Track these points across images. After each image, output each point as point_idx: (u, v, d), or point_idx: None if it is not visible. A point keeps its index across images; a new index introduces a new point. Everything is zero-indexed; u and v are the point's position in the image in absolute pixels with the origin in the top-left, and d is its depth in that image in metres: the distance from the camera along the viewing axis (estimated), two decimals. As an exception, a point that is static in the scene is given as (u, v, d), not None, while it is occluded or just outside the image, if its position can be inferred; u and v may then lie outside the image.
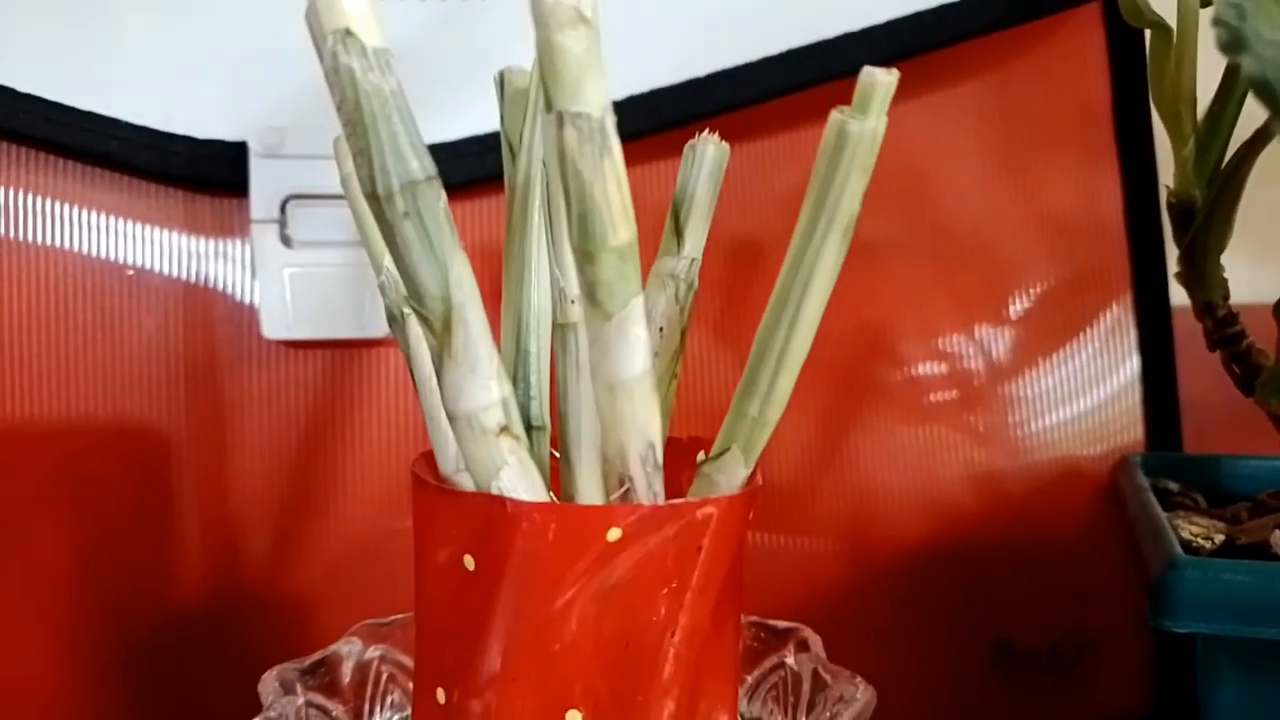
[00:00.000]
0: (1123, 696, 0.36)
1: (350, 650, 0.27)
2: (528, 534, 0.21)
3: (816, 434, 0.36)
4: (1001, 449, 0.36)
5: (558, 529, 0.21)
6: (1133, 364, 0.37)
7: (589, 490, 0.22)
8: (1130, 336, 0.37)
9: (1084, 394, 0.36)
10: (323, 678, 0.26)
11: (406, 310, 0.24)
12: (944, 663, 0.36)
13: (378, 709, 0.27)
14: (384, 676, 0.27)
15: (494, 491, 0.21)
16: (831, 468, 0.36)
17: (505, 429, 0.21)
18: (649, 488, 0.21)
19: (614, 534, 0.21)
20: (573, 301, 0.24)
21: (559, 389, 0.25)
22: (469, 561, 0.22)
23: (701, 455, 0.23)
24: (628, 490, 0.21)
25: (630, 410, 0.21)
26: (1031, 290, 0.36)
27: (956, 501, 0.36)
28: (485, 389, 0.21)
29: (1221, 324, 0.27)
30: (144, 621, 0.33)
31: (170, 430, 0.33)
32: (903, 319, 0.36)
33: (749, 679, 0.27)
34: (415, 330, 0.24)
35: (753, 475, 0.23)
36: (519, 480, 0.21)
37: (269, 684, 0.24)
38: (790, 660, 0.26)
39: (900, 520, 0.36)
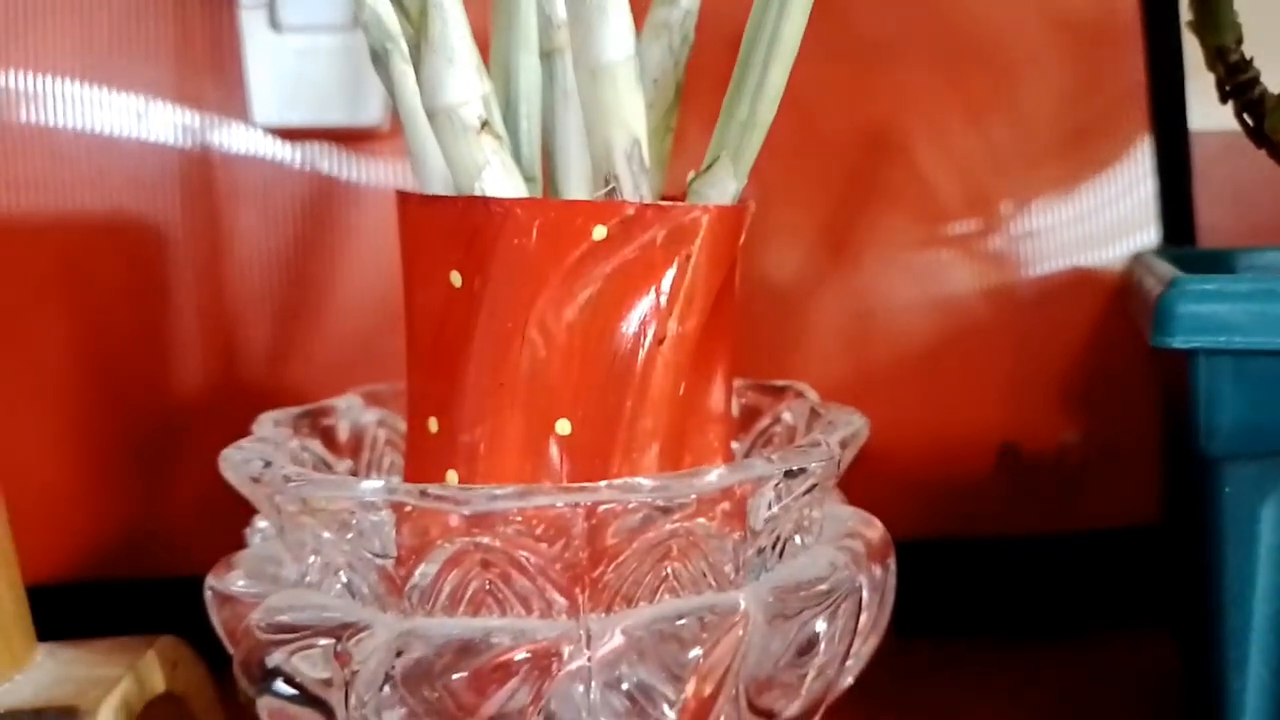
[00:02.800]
0: (1130, 505, 0.36)
1: (348, 406, 0.27)
2: (512, 233, 0.20)
3: (819, 237, 0.35)
4: (1011, 253, 0.35)
5: (542, 226, 0.20)
6: (1146, 165, 0.36)
7: (575, 192, 0.21)
8: (1145, 140, 0.36)
9: (1096, 197, 0.36)
10: (318, 426, 0.25)
11: (389, 46, 0.23)
12: (949, 467, 0.36)
13: (374, 473, 0.27)
14: (381, 440, 0.27)
15: (476, 193, 0.21)
16: (835, 271, 0.35)
17: (486, 125, 0.21)
18: (635, 188, 0.21)
19: (600, 232, 0.20)
20: (559, 27, 0.24)
21: (545, 124, 0.24)
22: (455, 278, 0.22)
23: (691, 174, 0.23)
24: (613, 189, 0.21)
25: (614, 100, 0.20)
26: (1043, 91, 0.36)
27: (964, 306, 0.35)
28: (464, 81, 0.20)
29: (1233, 70, 0.26)
30: (144, 415, 0.33)
31: (166, 226, 0.33)
32: (909, 121, 0.35)
33: (746, 438, 0.27)
34: (399, 67, 0.23)
35: (746, 200, 0.23)
36: (502, 180, 0.21)
37: (263, 421, 0.24)
38: (786, 415, 0.26)
39: (905, 324, 0.35)
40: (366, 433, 0.27)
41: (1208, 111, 0.42)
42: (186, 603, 0.28)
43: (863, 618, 0.21)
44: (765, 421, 0.27)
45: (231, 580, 0.22)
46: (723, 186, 0.22)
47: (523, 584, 0.19)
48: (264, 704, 0.20)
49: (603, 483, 0.19)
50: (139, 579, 0.34)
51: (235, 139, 0.33)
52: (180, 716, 0.28)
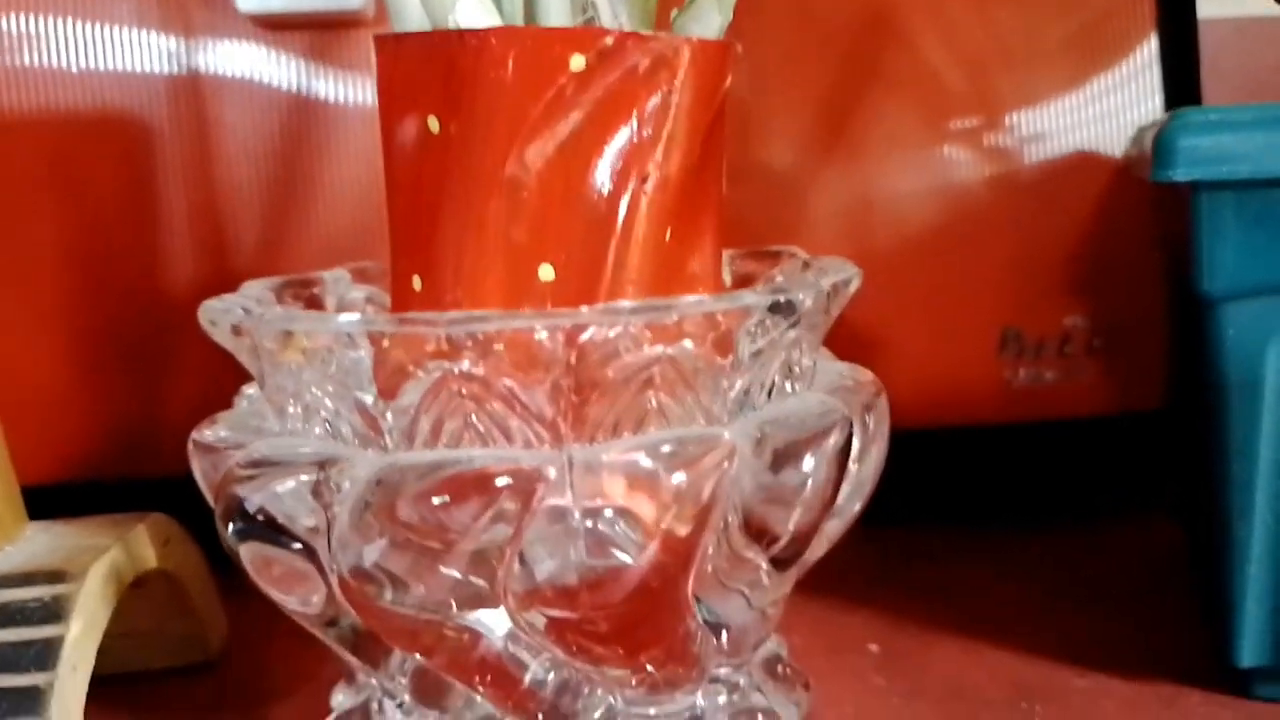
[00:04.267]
0: (1134, 390, 0.35)
1: (335, 279, 0.26)
2: (488, 65, 0.20)
3: (818, 120, 0.34)
4: (1014, 138, 0.35)
5: (518, 57, 0.20)
6: (1152, 52, 0.35)
7: (553, 22, 0.21)
8: (1152, 26, 0.35)
9: (1102, 83, 0.35)
10: (303, 295, 0.25)
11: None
12: (951, 352, 0.35)
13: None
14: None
15: (450, 26, 0.20)
16: (834, 156, 0.34)
17: (460, -45, 0.20)
18: (614, 16, 0.20)
19: (578, 62, 0.20)
20: None
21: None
22: (433, 123, 0.21)
23: (675, 11, 0.22)
24: (591, 18, 0.20)
25: (589, -77, 0.20)
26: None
27: (966, 191, 0.35)
28: (436, -91, 0.20)
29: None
30: (136, 310, 0.33)
31: (152, 120, 0.32)
32: (911, 4, 0.35)
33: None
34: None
35: (731, 40, 0.22)
36: (477, 12, 0.20)
37: (248, 286, 0.24)
38: (780, 276, 0.26)
39: (906, 208, 0.35)
40: (354, 308, 0.27)
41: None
42: (180, 502, 0.28)
43: (852, 458, 0.21)
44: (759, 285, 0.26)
45: (214, 432, 0.21)
46: (706, 20, 0.21)
47: (503, 415, 0.18)
48: (246, 552, 0.20)
49: (584, 307, 0.19)
50: (132, 478, 0.34)
51: (220, 31, 0.32)
52: (174, 597, 0.28)
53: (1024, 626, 0.28)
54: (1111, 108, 0.35)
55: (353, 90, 0.33)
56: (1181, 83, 0.35)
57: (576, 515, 0.18)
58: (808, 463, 0.20)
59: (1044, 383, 0.35)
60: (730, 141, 0.34)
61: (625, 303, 0.19)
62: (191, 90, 0.33)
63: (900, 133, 0.35)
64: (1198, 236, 0.22)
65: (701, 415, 0.19)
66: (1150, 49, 0.35)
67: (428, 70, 0.21)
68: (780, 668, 0.25)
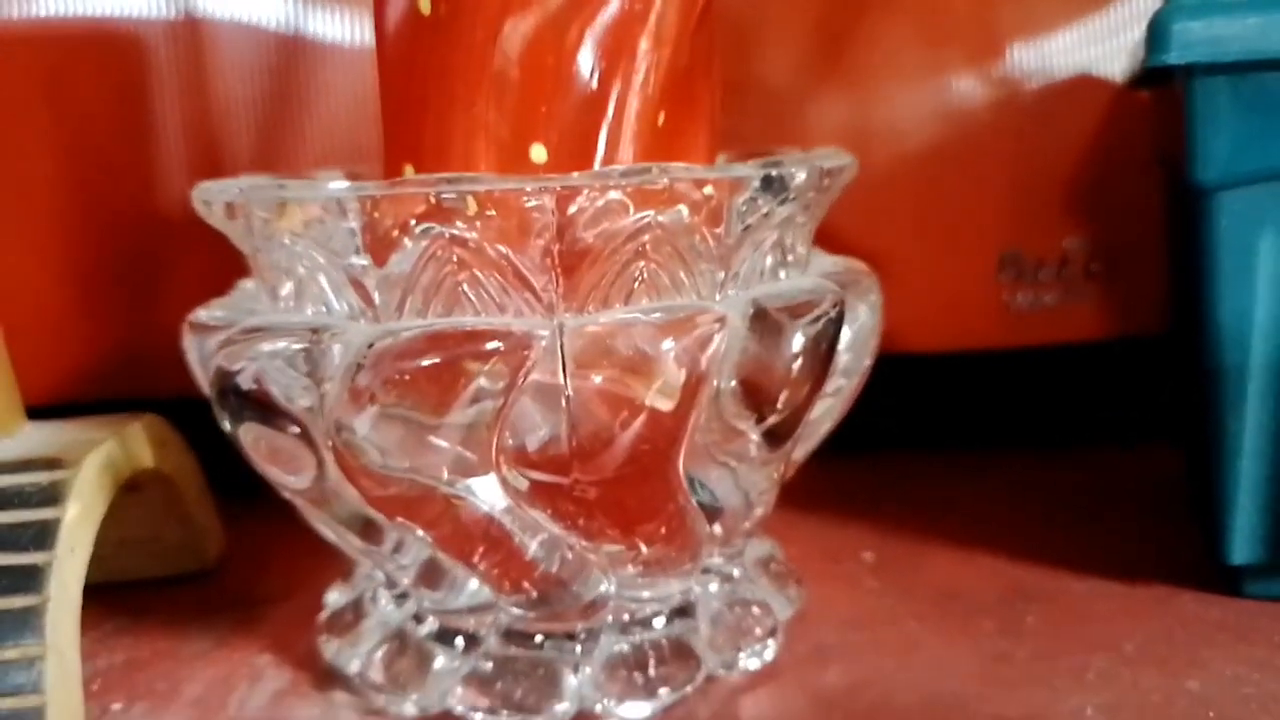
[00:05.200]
0: (1133, 315, 0.35)
1: (329, 179, 0.26)
2: (478, -56, 0.20)
3: (815, 37, 0.34)
4: (1014, 56, 0.34)
5: (509, -67, 0.20)
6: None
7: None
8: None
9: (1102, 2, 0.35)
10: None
11: None
12: (950, 274, 0.35)
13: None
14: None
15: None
16: (833, 74, 0.34)
17: None
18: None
19: (567, -61, 0.20)
20: None
21: None
22: (424, 4, 0.21)
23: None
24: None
25: None
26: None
27: (965, 110, 0.34)
28: None
29: None
30: (131, 228, 0.33)
31: (146, 38, 0.32)
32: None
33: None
34: None
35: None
36: (470, -110, 0.20)
37: (244, 178, 0.24)
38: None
39: (905, 127, 0.34)
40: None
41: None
42: (177, 421, 0.28)
43: (843, 339, 0.21)
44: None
45: (209, 313, 0.21)
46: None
47: (494, 282, 0.19)
48: (243, 432, 0.20)
49: (575, 173, 0.19)
50: (129, 398, 0.34)
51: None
52: (171, 504, 0.28)
53: (1019, 538, 0.28)
54: (1112, 26, 0.35)
55: (348, 6, 0.33)
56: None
57: (567, 383, 0.18)
58: (797, 339, 0.20)
59: (1043, 306, 0.35)
60: (729, 58, 0.34)
61: (616, 167, 0.19)
62: (186, 9, 0.33)
63: (900, 53, 0.34)
64: (1191, 124, 0.22)
65: (692, 289, 0.19)
66: (1152, -30, 0.35)
67: (420, -50, 0.21)
68: (774, 565, 0.25)
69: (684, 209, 0.19)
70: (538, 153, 0.21)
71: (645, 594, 0.21)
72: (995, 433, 0.36)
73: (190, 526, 0.28)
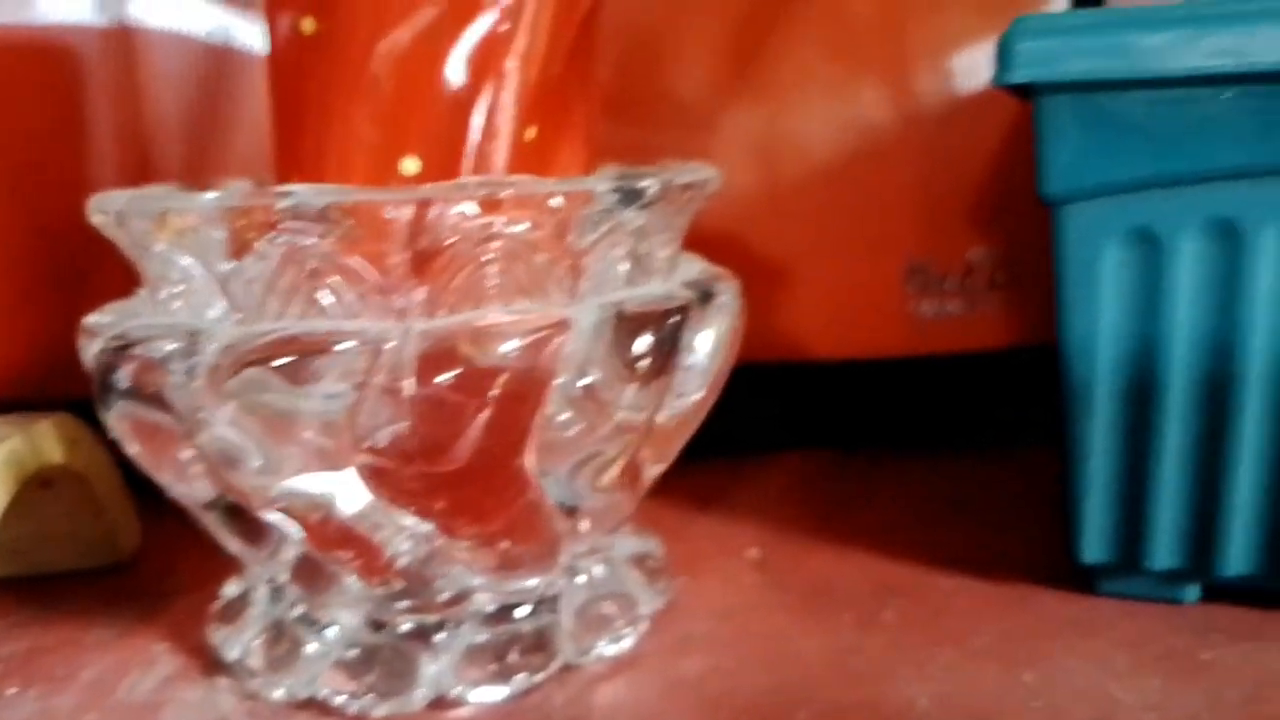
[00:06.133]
0: (1037, 322, 0.36)
1: (237, 187, 0.27)
2: (349, -34, 0.21)
3: (726, 50, 0.35)
4: (922, 71, 0.35)
5: (378, -42, 0.21)
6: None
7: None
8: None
9: (1008, 16, 0.36)
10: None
11: None
12: (858, 283, 0.36)
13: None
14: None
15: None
16: (744, 87, 0.35)
17: None
18: (469, -78, 0.21)
19: (433, -38, 0.21)
20: None
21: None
22: (307, 25, 0.22)
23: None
24: (448, -77, 0.22)
25: None
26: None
27: (873, 123, 0.36)
28: None
29: None
30: (64, 234, 0.34)
31: (79, 44, 0.33)
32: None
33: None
34: None
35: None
36: (341, -84, 0.21)
37: (150, 188, 0.25)
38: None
39: (814, 140, 0.36)
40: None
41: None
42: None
43: (691, 343, 0.22)
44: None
45: (99, 318, 0.23)
46: (563, -71, 0.22)
47: (347, 289, 0.20)
48: (114, 412, 0.21)
49: (428, 184, 0.20)
50: (56, 399, 0.35)
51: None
52: (85, 499, 0.29)
53: (900, 536, 0.29)
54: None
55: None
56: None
57: (411, 385, 0.19)
58: (643, 342, 0.21)
59: (948, 315, 0.36)
60: (640, 71, 0.35)
61: (468, 179, 0.20)
62: (119, 17, 0.34)
63: (809, 67, 0.36)
64: (1038, 140, 0.23)
65: (544, 294, 0.21)
66: (1058, -11, 0.36)
67: (299, -26, 0.22)
68: (649, 561, 0.26)
69: (534, 219, 0.20)
70: (410, 164, 0.22)
71: (508, 586, 0.22)
72: (899, 436, 0.37)
73: (105, 522, 0.29)
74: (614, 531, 0.24)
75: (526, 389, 0.20)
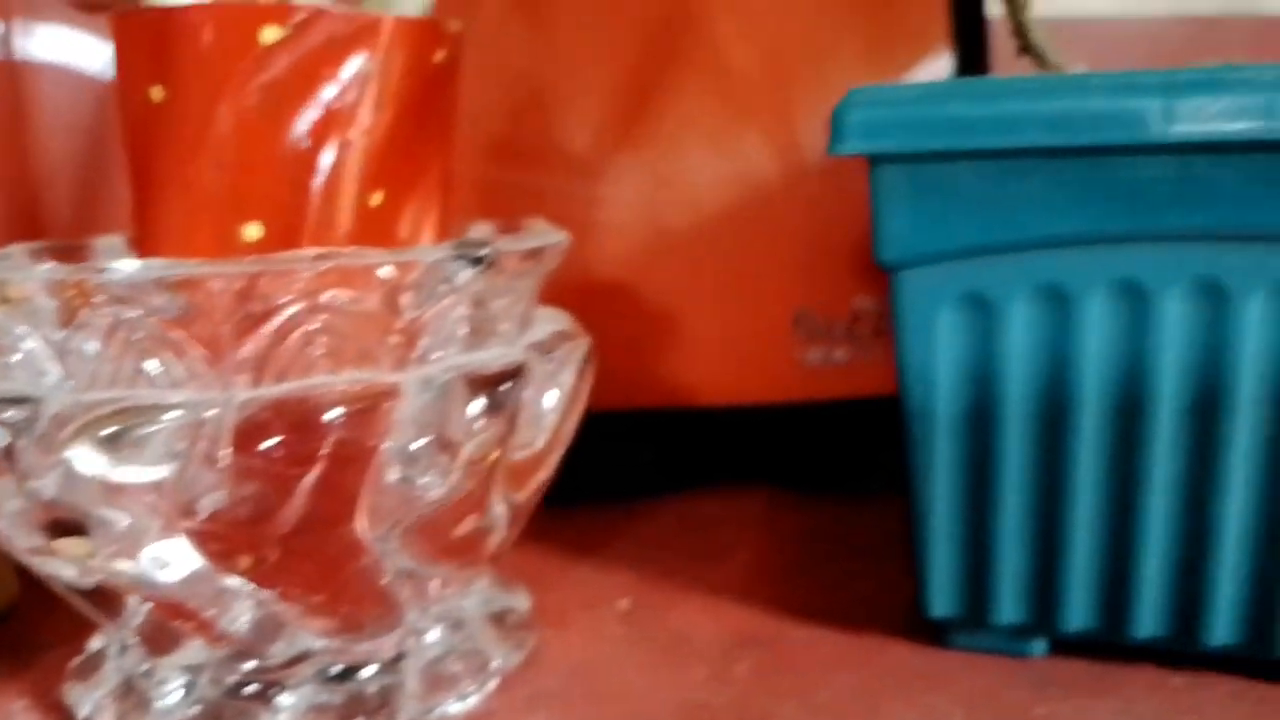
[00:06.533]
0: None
1: (109, 246, 0.27)
2: (189, 37, 0.22)
3: (617, 104, 0.36)
4: (808, 123, 0.36)
5: (215, 29, 0.21)
6: (945, 42, 0.37)
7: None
8: (945, 16, 0.37)
9: (895, 68, 0.37)
10: (72, 259, 0.26)
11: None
12: (747, 332, 0.37)
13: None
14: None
15: (155, 3, 0.22)
16: (633, 138, 0.36)
17: (162, -66, 0.22)
18: (309, -7, 0.22)
19: (272, 34, 0.21)
20: None
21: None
22: (156, 93, 0.23)
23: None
24: (287, -6, 0.22)
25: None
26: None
27: (760, 174, 0.36)
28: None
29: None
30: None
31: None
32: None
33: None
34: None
35: (444, 18, 0.24)
36: (180, -10, 0.22)
37: (12, 248, 0.25)
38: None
39: (702, 192, 0.36)
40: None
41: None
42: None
43: (534, 397, 0.22)
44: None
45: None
46: (405, -1, 0.23)
47: (173, 360, 0.20)
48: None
49: (251, 258, 0.20)
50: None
51: (36, 11, 0.34)
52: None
53: (770, 585, 0.30)
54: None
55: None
56: (970, 74, 0.37)
57: (226, 454, 0.19)
58: (477, 404, 0.21)
59: (834, 362, 0.37)
60: (533, 121, 0.36)
61: (297, 253, 0.20)
62: (6, 68, 0.34)
63: (697, 118, 0.36)
64: (874, 208, 0.24)
65: (372, 363, 0.21)
66: (940, 39, 0.37)
67: (147, 43, 0.22)
68: (510, 616, 0.26)
69: (364, 289, 0.20)
70: (252, 230, 0.22)
71: (349, 649, 0.23)
72: (782, 481, 0.38)
73: (-20, 576, 0.30)
74: (467, 589, 0.24)
75: (354, 455, 0.20)
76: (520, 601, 0.27)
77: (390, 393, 0.20)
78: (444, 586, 0.23)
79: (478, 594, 0.26)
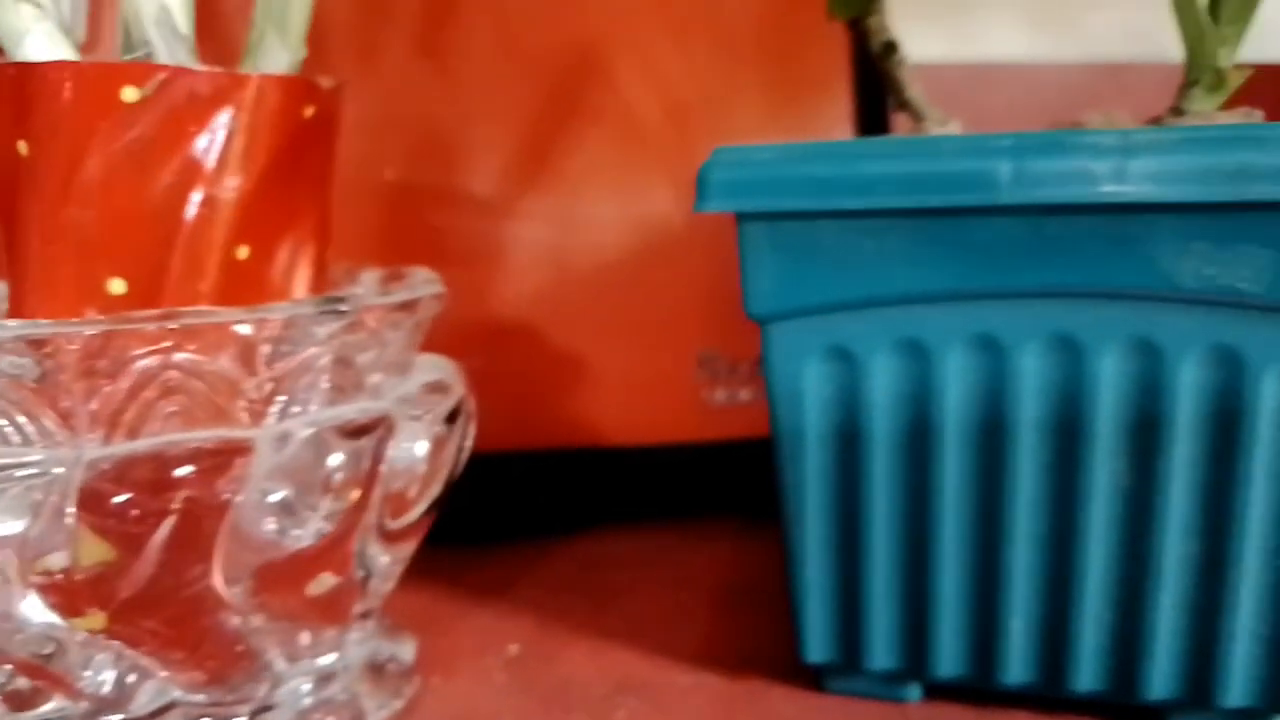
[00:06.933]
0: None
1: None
2: (50, 96, 0.22)
3: (520, 147, 0.36)
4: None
5: (76, 88, 0.21)
6: (845, 85, 0.37)
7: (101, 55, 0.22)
8: (845, 60, 0.38)
9: (796, 114, 0.37)
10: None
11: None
12: (652, 373, 0.37)
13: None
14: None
15: (19, 59, 0.22)
16: (536, 182, 0.36)
17: (24, -7, 0.22)
18: (171, 54, 0.22)
19: (131, 94, 0.22)
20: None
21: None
22: (22, 147, 0.23)
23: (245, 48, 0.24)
24: (149, 55, 0.22)
25: (137, -35, 0.21)
26: (746, 11, 0.37)
27: (664, 217, 0.37)
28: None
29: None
30: None
31: None
32: (613, 39, 0.37)
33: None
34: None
35: (311, 75, 0.24)
36: (45, 47, 0.22)
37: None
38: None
39: (607, 235, 0.37)
40: None
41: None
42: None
43: (419, 449, 0.22)
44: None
45: None
46: (273, 57, 0.23)
47: (24, 418, 0.20)
48: None
49: (98, 316, 0.20)
50: None
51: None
52: None
53: (659, 628, 0.30)
54: (803, 140, 0.37)
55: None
56: (872, 121, 0.38)
57: (71, 511, 0.19)
58: (336, 457, 0.21)
59: (739, 402, 0.37)
60: (434, 167, 0.36)
61: (148, 311, 0.21)
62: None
63: (602, 163, 0.37)
64: (742, 263, 0.24)
65: (228, 419, 0.21)
66: (842, 87, 0.38)
67: (10, 98, 0.22)
68: (391, 665, 0.26)
69: (219, 345, 0.20)
70: (116, 285, 0.22)
71: (213, 701, 0.23)
72: (686, 521, 0.38)
73: None
74: (340, 641, 0.24)
75: (207, 510, 0.20)
76: (404, 649, 0.27)
77: (243, 449, 0.20)
78: (315, 637, 0.23)
79: (358, 643, 0.26)
